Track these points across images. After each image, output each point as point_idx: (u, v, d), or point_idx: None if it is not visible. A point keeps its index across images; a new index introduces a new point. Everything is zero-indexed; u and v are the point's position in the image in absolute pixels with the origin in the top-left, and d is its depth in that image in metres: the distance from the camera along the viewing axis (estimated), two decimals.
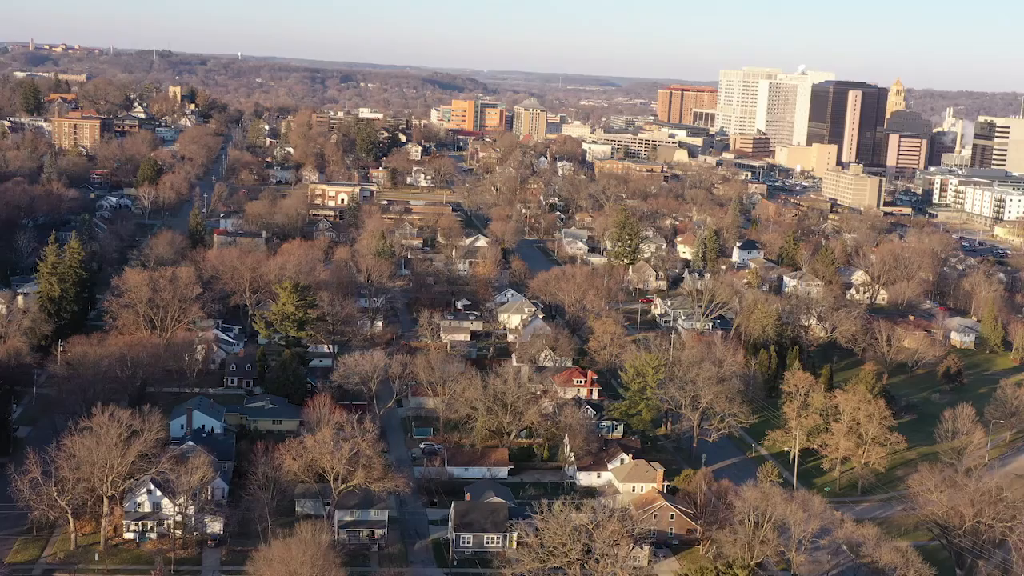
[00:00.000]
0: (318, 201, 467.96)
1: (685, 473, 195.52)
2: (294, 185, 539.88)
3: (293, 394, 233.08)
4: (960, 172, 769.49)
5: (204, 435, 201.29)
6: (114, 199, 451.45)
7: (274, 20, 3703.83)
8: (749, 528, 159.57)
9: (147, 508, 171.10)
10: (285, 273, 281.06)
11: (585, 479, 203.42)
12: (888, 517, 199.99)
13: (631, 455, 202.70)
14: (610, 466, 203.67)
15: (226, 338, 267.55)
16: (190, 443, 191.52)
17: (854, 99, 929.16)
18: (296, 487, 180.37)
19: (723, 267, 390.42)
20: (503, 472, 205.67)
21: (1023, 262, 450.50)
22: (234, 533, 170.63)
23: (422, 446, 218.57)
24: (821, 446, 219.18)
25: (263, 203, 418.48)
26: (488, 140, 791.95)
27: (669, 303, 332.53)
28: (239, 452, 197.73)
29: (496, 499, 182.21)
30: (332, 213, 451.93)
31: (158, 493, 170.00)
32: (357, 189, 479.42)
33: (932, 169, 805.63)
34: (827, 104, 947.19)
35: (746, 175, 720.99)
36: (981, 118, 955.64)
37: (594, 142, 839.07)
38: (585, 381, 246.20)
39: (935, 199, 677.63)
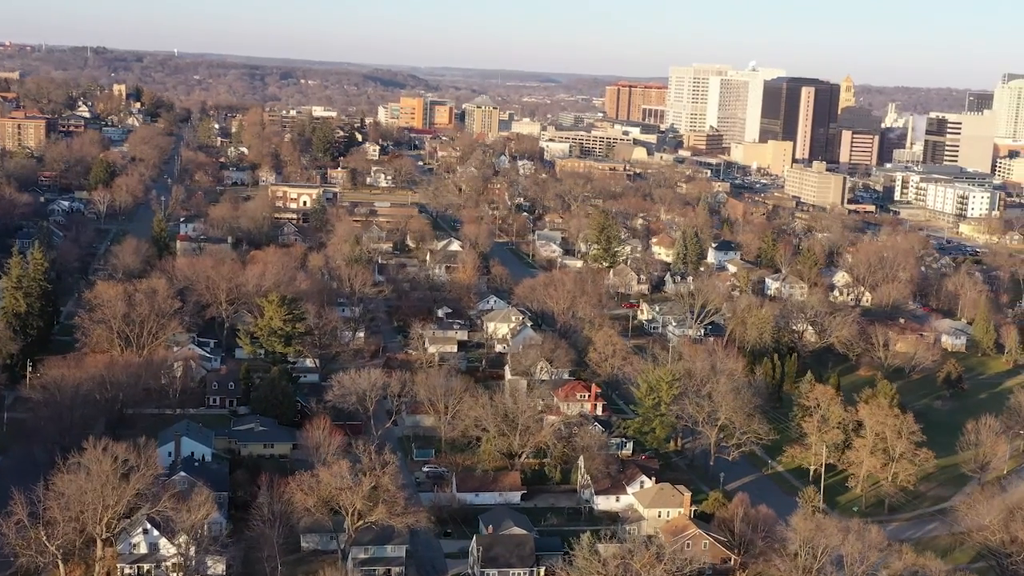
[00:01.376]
0: (279, 204, 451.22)
1: (713, 496, 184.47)
2: (251, 187, 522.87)
3: (283, 415, 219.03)
4: (916, 168, 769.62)
5: (196, 464, 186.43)
6: (66, 203, 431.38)
7: (210, 16, 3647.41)
8: (802, 561, 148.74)
9: (143, 549, 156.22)
10: (264, 284, 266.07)
11: (604, 503, 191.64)
12: (925, 537, 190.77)
13: (653, 477, 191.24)
14: (630, 489, 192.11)
15: (204, 353, 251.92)
16: (183, 474, 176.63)
17: (807, 96, 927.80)
18: (300, 520, 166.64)
19: (703, 269, 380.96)
20: (516, 497, 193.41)
21: (1000, 261, 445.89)
22: (238, 574, 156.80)
23: (426, 469, 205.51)
24: (844, 463, 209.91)
25: (226, 207, 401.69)
26: (446, 139, 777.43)
27: (658, 308, 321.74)
28: (234, 482, 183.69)
29: (519, 530, 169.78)
30: (295, 216, 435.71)
31: (155, 533, 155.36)
32: (320, 191, 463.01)
33: (888, 166, 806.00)
34: (780, 101, 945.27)
35: (705, 173, 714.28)
36: (932, 114, 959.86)
37: (551, 140, 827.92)
38: (589, 395, 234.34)
39: (897, 196, 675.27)
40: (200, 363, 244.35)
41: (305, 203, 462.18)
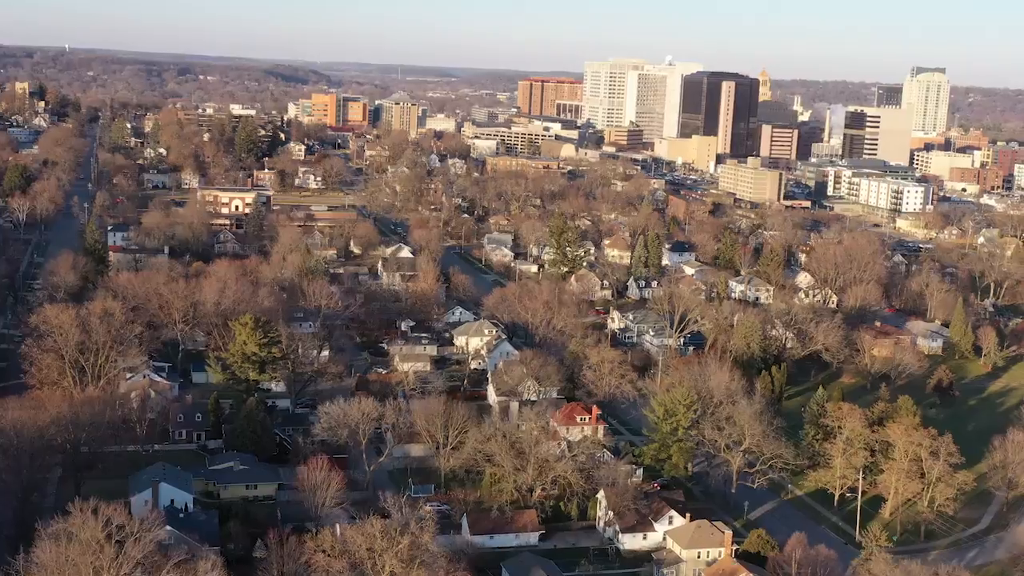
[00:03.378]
0: (210, 209, 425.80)
1: (755, 534, 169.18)
2: (175, 190, 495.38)
3: (262, 450, 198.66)
4: (840, 163, 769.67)
5: (180, 515, 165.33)
6: None
7: (102, 10, 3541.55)
8: None
9: None
10: (223, 302, 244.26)
11: (630, 542, 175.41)
12: (971, 566, 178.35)
13: (686, 513, 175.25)
14: (658, 526, 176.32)
15: (161, 380, 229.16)
16: (168, 528, 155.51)
17: (727, 90, 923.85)
18: None
19: (665, 273, 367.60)
20: (534, 538, 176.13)
21: (949, 257, 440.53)
22: None
23: (428, 507, 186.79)
24: (870, 485, 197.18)
25: (157, 214, 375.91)
26: (371, 137, 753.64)
27: (631, 316, 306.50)
28: (225, 535, 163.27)
29: None
30: (228, 222, 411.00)
31: None
32: (254, 195, 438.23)
33: (813, 160, 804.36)
34: (701, 95, 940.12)
35: (636, 169, 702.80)
36: (850, 107, 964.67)
37: (477, 137, 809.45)
38: (590, 418, 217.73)
39: (829, 191, 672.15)
40: (159, 392, 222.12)
41: (237, 208, 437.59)
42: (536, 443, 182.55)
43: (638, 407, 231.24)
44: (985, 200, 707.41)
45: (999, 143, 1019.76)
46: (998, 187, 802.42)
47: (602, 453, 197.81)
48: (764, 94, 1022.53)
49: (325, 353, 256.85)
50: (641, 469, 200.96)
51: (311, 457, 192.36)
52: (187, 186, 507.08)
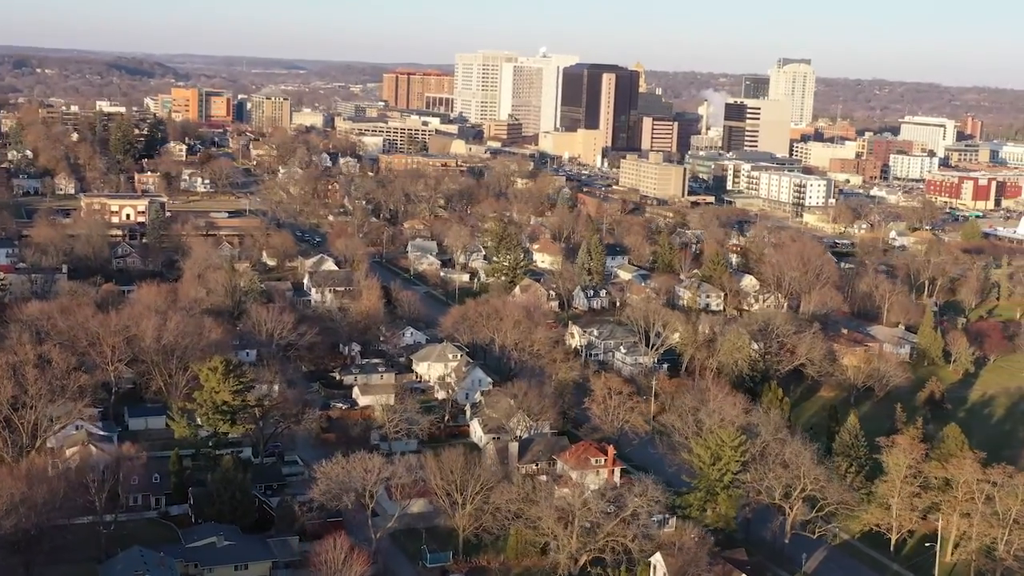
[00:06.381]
0: (97, 219, 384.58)
1: None
2: (49, 197, 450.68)
3: (241, 517, 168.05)
4: (728, 156, 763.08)
5: None
6: None
7: None
8: None
9: None
10: (164, 336, 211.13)
11: None
12: None
13: None
14: None
15: (100, 432, 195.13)
16: None
17: (608, 82, 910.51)
18: None
19: (624, 282, 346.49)
20: None
21: (874, 255, 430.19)
22: None
23: None
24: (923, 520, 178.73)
25: (47, 226, 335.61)
26: (252, 134, 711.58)
27: (596, 332, 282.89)
28: None
29: None
30: (121, 233, 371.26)
31: None
32: (147, 202, 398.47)
33: (702, 153, 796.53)
34: (581, 88, 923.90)
35: (529, 165, 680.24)
36: (729, 99, 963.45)
37: (362, 133, 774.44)
38: (606, 460, 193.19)
39: (729, 185, 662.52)
40: (99, 447, 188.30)
41: (129, 217, 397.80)
42: (585, 502, 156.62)
43: (649, 443, 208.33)
44: (876, 192, 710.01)
45: (868, 133, 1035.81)
46: (876, 177, 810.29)
47: (656, 508, 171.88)
48: (642, 86, 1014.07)
49: (275, 387, 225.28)
50: (674, 518, 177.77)
51: (308, 526, 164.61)
52: (62, 191, 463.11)
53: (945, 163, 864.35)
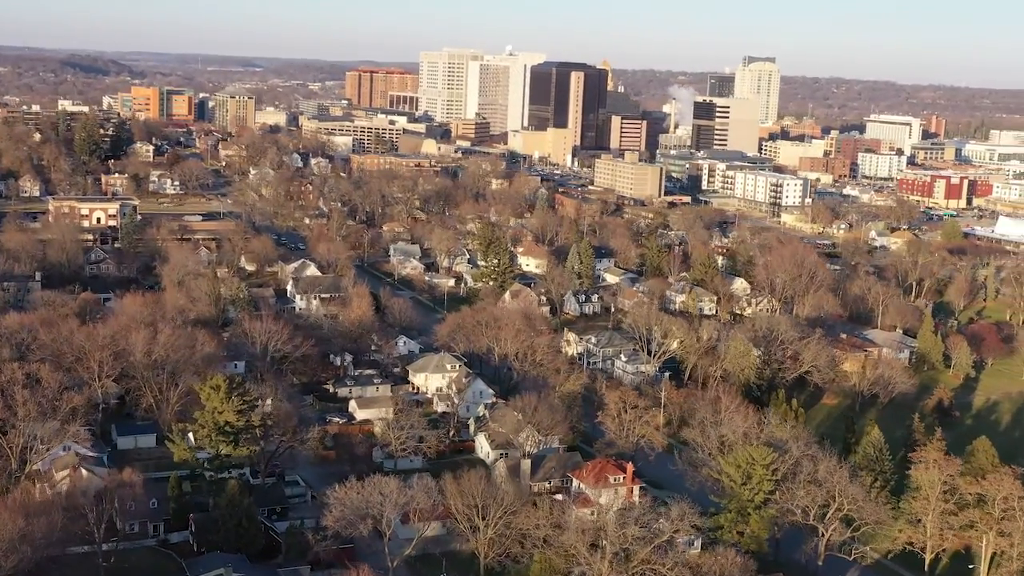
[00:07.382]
0: (67, 223, 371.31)
1: None
2: (14, 200, 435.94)
3: (248, 546, 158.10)
4: (700, 155, 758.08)
5: None
6: None
7: None
8: None
9: None
10: (155, 350, 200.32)
11: None
12: None
13: None
14: None
15: (89, 453, 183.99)
16: None
17: (577, 81, 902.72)
18: None
19: (617, 287, 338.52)
20: None
21: (860, 256, 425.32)
22: None
23: None
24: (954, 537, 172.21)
25: (17, 232, 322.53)
26: (220, 135, 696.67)
27: (594, 340, 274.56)
28: None
29: None
30: (93, 237, 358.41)
31: None
32: (118, 205, 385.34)
33: (673, 153, 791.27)
34: (550, 86, 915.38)
35: (501, 165, 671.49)
36: (698, 98, 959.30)
37: (332, 133, 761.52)
38: (625, 478, 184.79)
39: (704, 185, 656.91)
40: (91, 471, 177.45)
41: (99, 221, 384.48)
42: (622, 525, 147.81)
43: (665, 459, 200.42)
44: (848, 191, 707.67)
45: (835, 132, 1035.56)
46: (845, 176, 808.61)
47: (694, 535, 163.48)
48: (609, 85, 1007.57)
49: (268, 403, 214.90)
50: (699, 540, 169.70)
51: (321, 555, 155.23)
52: (27, 194, 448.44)
53: (912, 161, 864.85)
